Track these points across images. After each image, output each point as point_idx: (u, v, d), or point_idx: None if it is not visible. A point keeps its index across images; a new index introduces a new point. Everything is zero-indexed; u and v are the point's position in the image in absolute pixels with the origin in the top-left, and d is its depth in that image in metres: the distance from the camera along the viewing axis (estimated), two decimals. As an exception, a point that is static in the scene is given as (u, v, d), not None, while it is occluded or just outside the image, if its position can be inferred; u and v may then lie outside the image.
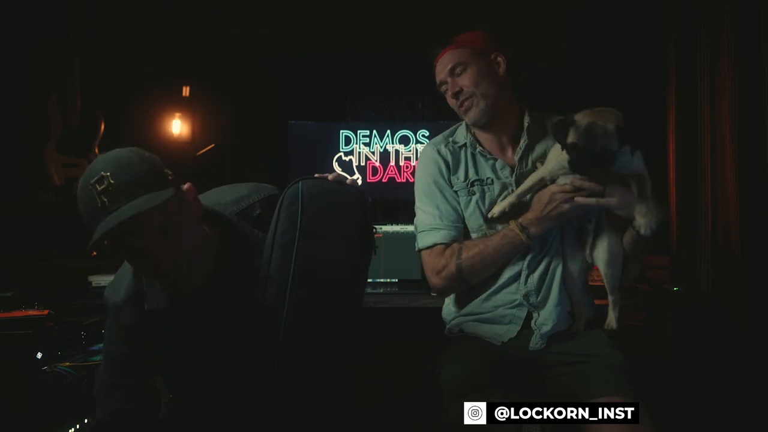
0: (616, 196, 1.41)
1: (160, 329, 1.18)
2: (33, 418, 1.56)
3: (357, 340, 1.24)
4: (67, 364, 1.70)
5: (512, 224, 1.48)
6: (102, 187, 1.02)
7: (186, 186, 1.14)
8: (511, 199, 1.51)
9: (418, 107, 3.42)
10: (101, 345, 1.84)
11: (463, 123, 1.65)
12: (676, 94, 2.79)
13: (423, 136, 3.20)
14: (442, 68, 1.57)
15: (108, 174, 1.03)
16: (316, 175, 1.26)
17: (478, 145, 1.60)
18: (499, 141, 1.60)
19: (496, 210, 1.52)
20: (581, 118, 1.38)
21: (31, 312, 1.73)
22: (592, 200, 1.41)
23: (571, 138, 1.37)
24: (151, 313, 1.16)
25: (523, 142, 1.56)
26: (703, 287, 2.47)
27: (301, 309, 1.11)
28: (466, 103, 1.54)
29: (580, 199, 1.41)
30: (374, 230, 1.25)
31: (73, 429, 1.71)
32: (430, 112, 3.38)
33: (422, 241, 1.59)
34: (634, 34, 3.09)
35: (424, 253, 1.59)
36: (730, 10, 2.31)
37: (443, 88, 1.59)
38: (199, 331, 1.18)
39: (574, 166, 1.39)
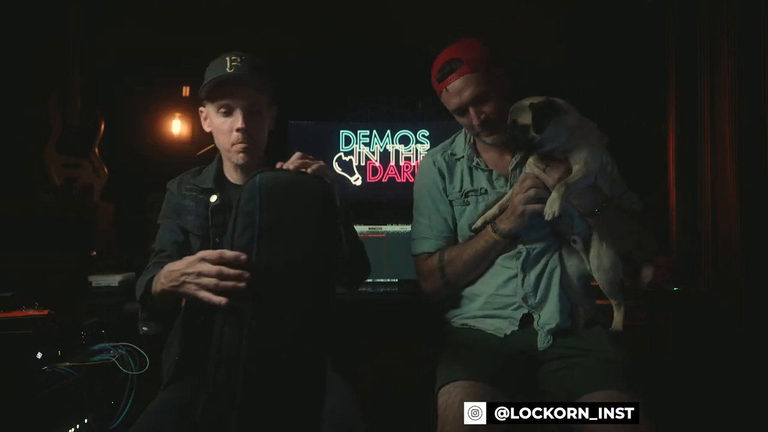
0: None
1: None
2: (33, 418, 1.56)
3: (331, 334, 1.20)
4: (67, 364, 1.71)
5: (488, 226, 1.53)
6: (234, 58, 1.48)
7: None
8: (493, 210, 1.55)
9: (418, 107, 3.41)
10: (102, 345, 1.85)
11: (462, 132, 1.68)
12: (676, 94, 2.79)
13: (423, 136, 3.20)
14: (459, 94, 1.51)
15: (242, 56, 1.49)
16: (278, 165, 1.27)
17: (475, 158, 1.62)
18: (500, 151, 1.62)
19: (479, 222, 1.56)
20: None
21: (31, 312, 1.73)
22: (535, 202, 1.45)
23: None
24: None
25: (518, 154, 1.58)
26: (703, 287, 2.47)
27: (265, 310, 1.04)
28: (490, 129, 1.54)
29: (529, 203, 1.46)
30: (343, 218, 1.27)
31: (73, 429, 1.71)
32: (430, 112, 3.38)
33: (414, 249, 1.68)
34: (634, 34, 3.09)
35: (415, 260, 1.68)
36: (730, 10, 2.31)
37: (460, 113, 1.55)
38: None
39: (512, 142, 1.49)
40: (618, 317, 1.54)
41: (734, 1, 2.30)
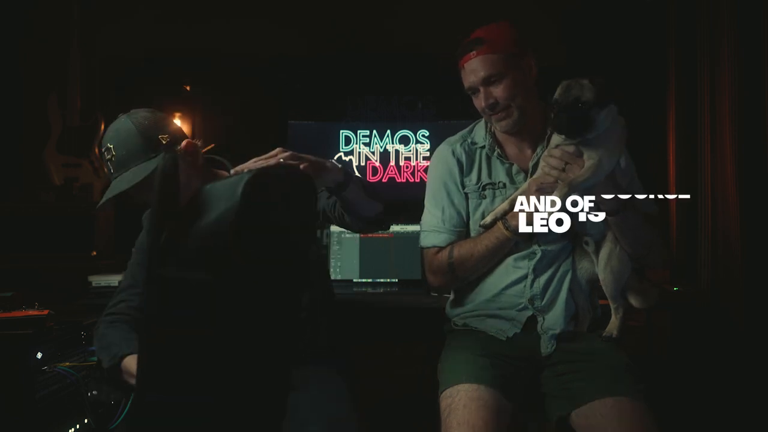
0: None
1: None
2: (33, 418, 1.56)
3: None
4: (67, 364, 1.70)
5: (499, 222, 1.49)
6: (108, 157, 1.37)
7: (183, 144, 1.38)
8: (503, 206, 1.51)
9: (418, 107, 3.41)
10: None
11: (483, 121, 1.63)
12: (676, 94, 2.79)
13: (423, 136, 3.20)
14: (474, 73, 1.49)
15: (111, 146, 1.37)
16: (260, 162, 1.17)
17: (496, 148, 1.58)
18: (520, 144, 1.58)
19: (489, 218, 1.52)
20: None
21: (31, 312, 1.72)
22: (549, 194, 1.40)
23: (555, 96, 1.38)
24: None
25: (540, 149, 1.54)
26: (703, 287, 2.47)
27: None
28: (500, 114, 1.51)
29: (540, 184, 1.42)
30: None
31: (73, 429, 1.71)
32: (430, 113, 3.38)
33: (423, 241, 1.63)
34: (634, 34, 3.08)
35: (423, 252, 1.63)
36: (730, 10, 2.31)
37: (473, 93, 1.54)
38: None
39: (557, 127, 1.39)
40: (615, 322, 1.50)
41: (734, 1, 2.30)
